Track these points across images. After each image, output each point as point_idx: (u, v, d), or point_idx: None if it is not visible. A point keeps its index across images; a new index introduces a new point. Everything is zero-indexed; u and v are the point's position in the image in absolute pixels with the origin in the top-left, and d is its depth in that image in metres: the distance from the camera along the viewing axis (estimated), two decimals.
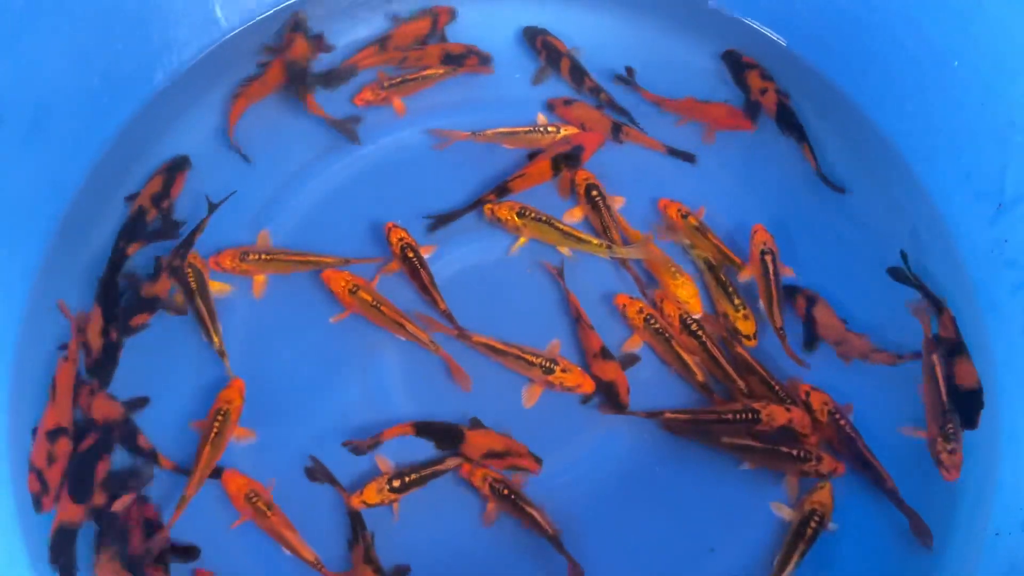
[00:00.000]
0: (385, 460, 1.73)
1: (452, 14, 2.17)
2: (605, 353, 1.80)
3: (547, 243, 1.92)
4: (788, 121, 2.03)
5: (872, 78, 2.02)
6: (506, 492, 1.68)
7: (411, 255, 1.86)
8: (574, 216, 1.95)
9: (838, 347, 1.81)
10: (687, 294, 1.84)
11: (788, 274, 1.88)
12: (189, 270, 1.84)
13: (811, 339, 1.83)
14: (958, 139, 1.88)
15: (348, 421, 1.78)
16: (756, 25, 2.15)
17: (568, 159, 1.97)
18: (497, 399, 1.79)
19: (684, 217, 1.92)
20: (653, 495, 1.73)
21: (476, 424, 1.75)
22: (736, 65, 2.12)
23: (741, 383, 1.77)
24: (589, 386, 1.77)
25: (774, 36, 2.14)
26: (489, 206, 1.91)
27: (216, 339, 1.81)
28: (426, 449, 1.74)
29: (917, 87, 1.94)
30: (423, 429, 1.74)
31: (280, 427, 1.77)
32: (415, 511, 1.70)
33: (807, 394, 1.75)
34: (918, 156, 1.97)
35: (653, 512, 1.73)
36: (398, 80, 2.06)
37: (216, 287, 1.87)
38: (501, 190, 1.95)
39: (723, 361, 1.78)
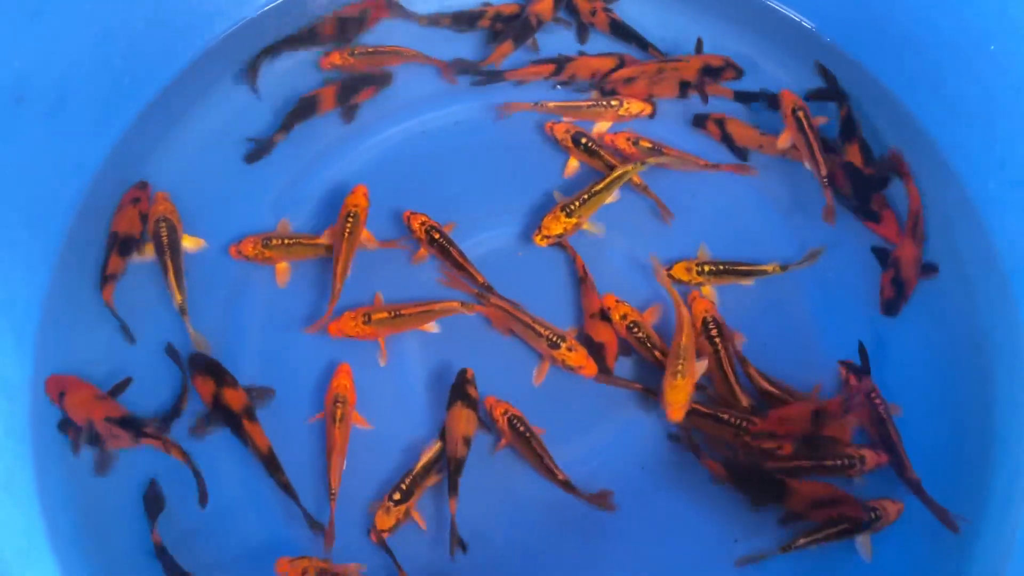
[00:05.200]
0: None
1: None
2: (603, 315, 1.81)
3: (602, 207, 1.88)
4: (622, 32, 2.11)
5: (906, 63, 1.99)
6: (522, 429, 1.68)
7: (437, 236, 1.85)
8: (573, 168, 1.96)
9: (761, 150, 1.97)
10: (675, 398, 1.66)
11: (822, 122, 1.93)
12: (163, 224, 1.83)
13: (736, 152, 1.98)
14: (993, 126, 1.85)
15: (367, 408, 1.76)
16: (784, 9, 2.12)
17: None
18: (520, 384, 1.78)
19: (636, 143, 1.94)
20: (677, 485, 1.71)
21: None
22: None
23: (744, 400, 1.72)
24: (591, 370, 1.74)
25: (804, 21, 2.12)
26: (536, 235, 1.85)
27: (179, 296, 1.79)
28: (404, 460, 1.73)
29: (952, 72, 1.91)
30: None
31: (300, 416, 1.77)
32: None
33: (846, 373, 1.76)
34: (952, 143, 1.94)
35: (677, 502, 1.71)
36: (369, 50, 2.07)
37: (190, 242, 1.87)
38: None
39: (732, 378, 1.73)
